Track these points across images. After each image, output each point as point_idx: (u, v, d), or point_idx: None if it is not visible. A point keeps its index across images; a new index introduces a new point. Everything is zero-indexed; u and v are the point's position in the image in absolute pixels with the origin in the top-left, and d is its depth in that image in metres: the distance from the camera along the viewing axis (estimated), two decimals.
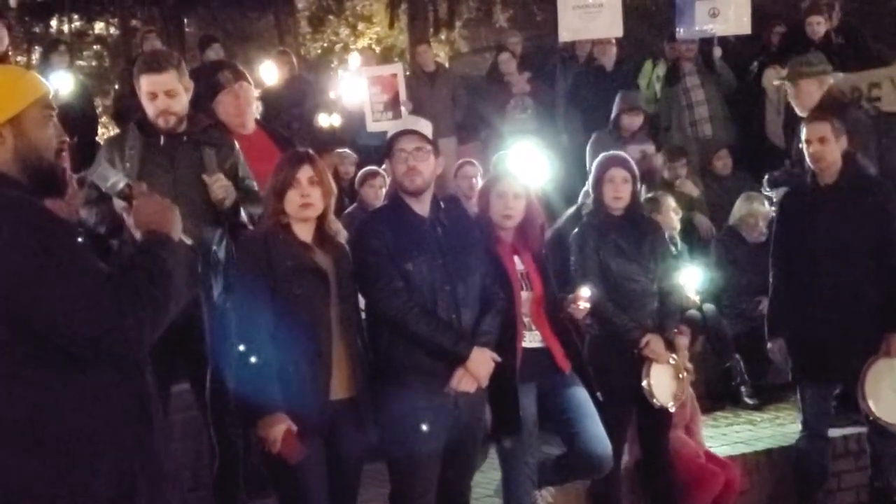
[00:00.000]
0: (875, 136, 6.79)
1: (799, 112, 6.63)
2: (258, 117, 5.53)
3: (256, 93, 5.45)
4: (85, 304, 2.42)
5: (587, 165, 7.89)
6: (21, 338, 2.44)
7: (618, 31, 9.48)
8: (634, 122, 8.40)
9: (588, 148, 8.13)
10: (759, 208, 7.65)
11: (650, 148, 8.22)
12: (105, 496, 2.46)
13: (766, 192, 7.51)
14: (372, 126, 9.29)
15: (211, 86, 5.47)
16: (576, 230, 5.52)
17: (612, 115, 8.44)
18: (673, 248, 6.72)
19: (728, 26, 9.35)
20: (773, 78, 8.87)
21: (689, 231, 8.06)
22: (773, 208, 7.19)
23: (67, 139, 2.67)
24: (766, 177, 7.46)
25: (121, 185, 2.79)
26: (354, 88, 9.86)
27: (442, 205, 4.54)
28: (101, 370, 2.49)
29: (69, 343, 2.44)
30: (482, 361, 4.34)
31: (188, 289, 2.72)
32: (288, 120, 9.40)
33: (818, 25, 9.24)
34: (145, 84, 4.64)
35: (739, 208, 7.77)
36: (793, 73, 6.75)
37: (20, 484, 2.42)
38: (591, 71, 9.76)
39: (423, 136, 4.42)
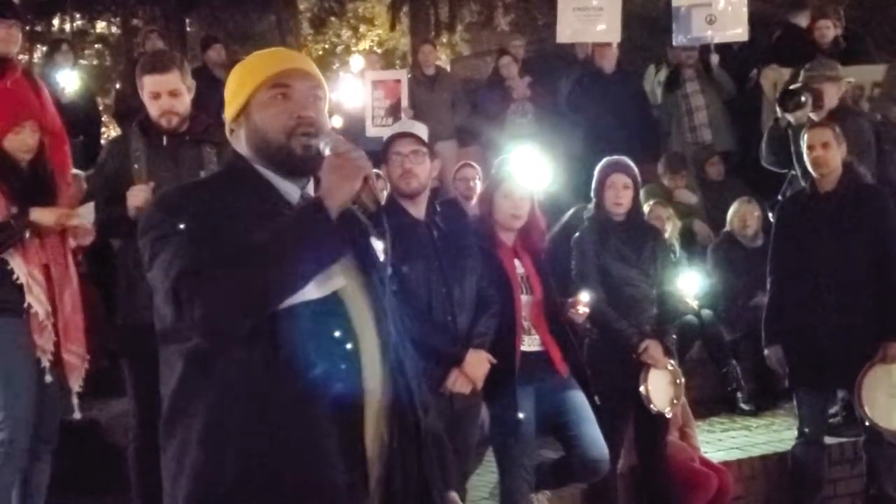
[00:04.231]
0: (875, 143, 6.79)
1: (814, 116, 6.63)
2: None
3: None
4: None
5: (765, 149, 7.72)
6: None
7: (615, 36, 9.45)
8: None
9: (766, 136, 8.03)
10: (746, 208, 7.67)
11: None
12: (231, 481, 2.33)
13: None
14: (371, 131, 9.23)
15: None
16: (577, 234, 5.52)
17: None
18: (672, 255, 6.72)
19: (725, 33, 9.35)
20: (772, 77, 8.91)
21: (688, 238, 8.07)
22: (770, 214, 7.19)
23: (305, 115, 2.44)
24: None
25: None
26: (356, 92, 9.82)
27: (438, 208, 4.55)
28: (230, 349, 2.33)
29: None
30: (477, 363, 4.36)
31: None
32: None
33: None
34: (149, 84, 4.63)
35: (733, 212, 7.78)
36: (818, 77, 6.75)
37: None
38: (590, 74, 9.72)
39: (419, 139, 4.42)
